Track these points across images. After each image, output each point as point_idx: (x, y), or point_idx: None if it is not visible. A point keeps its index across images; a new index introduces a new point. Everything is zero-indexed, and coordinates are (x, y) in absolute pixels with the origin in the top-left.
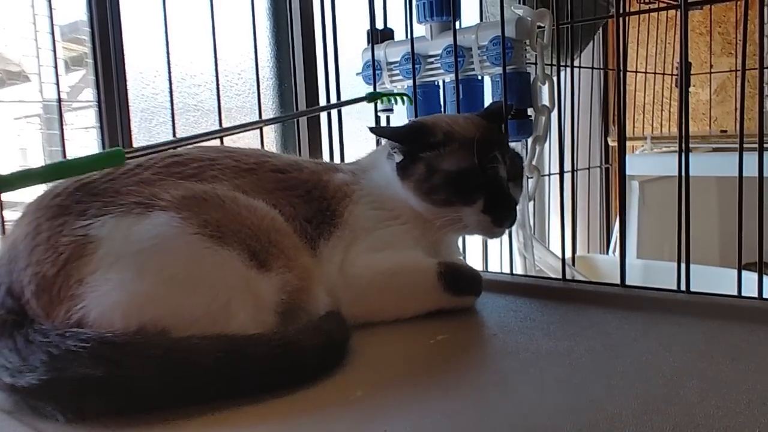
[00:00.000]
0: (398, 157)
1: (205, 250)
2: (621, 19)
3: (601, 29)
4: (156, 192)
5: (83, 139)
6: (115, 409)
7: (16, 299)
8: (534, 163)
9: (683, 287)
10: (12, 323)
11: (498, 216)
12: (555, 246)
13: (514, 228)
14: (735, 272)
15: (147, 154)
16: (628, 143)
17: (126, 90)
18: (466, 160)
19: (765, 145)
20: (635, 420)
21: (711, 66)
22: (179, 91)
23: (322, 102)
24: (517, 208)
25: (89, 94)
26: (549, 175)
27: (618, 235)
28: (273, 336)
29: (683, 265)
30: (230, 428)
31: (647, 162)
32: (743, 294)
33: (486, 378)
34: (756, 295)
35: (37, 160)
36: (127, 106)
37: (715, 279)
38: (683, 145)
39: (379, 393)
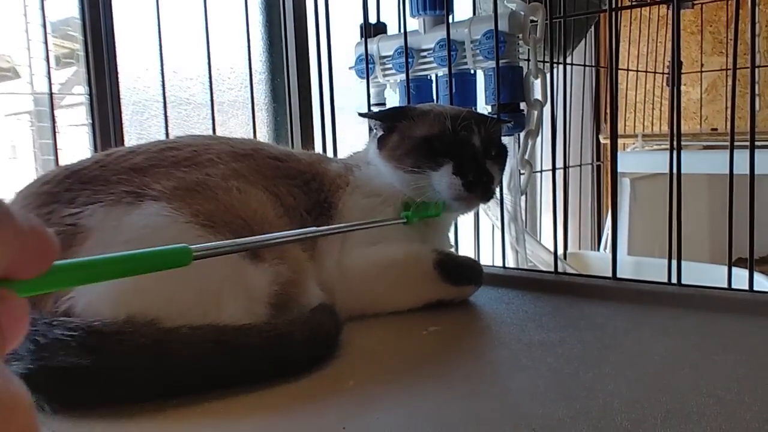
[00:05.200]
0: (379, 133)
1: (197, 239)
2: (613, 15)
3: (593, 27)
4: (147, 182)
5: (74, 135)
6: (102, 399)
7: None
8: (526, 157)
9: (674, 280)
10: None
11: (468, 179)
12: (546, 242)
13: (506, 221)
14: (725, 268)
15: (217, 255)
16: (620, 141)
17: (117, 84)
18: (436, 126)
19: (756, 143)
20: (627, 408)
21: (702, 65)
22: (171, 85)
23: (315, 97)
24: (509, 200)
25: (81, 90)
26: (541, 171)
27: (610, 230)
28: (264, 327)
29: (674, 258)
30: (221, 419)
31: (638, 159)
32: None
33: (478, 368)
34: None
35: (27, 155)
36: (119, 100)
37: (705, 275)
38: (676, 143)
39: (371, 383)
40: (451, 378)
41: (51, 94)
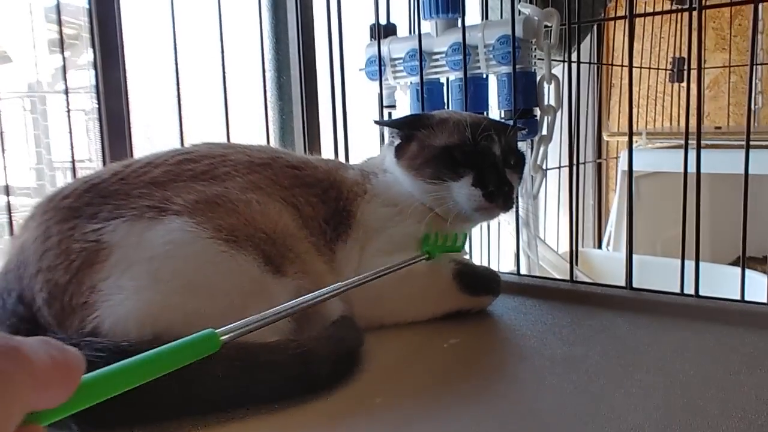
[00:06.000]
0: (396, 141)
1: (220, 255)
2: (610, 21)
3: (595, 24)
4: (168, 195)
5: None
6: (131, 419)
7: (27, 307)
8: (538, 162)
9: (690, 290)
10: (25, 332)
11: (489, 190)
12: (549, 241)
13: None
14: (728, 268)
15: (244, 333)
16: (622, 138)
17: (125, 77)
18: (455, 136)
19: (759, 143)
20: None
21: (704, 61)
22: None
23: (322, 97)
24: (521, 206)
25: (73, 76)
26: (546, 169)
27: (613, 230)
28: (289, 344)
29: (690, 268)
30: None
31: (643, 157)
32: (746, 293)
33: (504, 385)
34: (762, 297)
35: (19, 142)
36: (127, 94)
37: (711, 276)
38: (698, 144)
39: (398, 400)
40: (478, 396)
41: (67, 90)
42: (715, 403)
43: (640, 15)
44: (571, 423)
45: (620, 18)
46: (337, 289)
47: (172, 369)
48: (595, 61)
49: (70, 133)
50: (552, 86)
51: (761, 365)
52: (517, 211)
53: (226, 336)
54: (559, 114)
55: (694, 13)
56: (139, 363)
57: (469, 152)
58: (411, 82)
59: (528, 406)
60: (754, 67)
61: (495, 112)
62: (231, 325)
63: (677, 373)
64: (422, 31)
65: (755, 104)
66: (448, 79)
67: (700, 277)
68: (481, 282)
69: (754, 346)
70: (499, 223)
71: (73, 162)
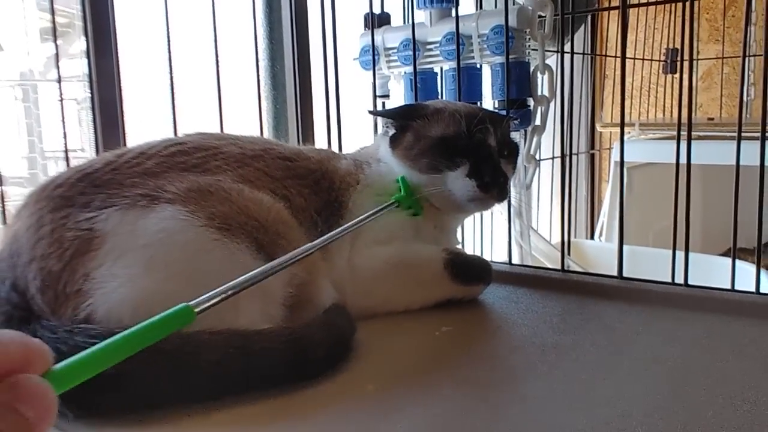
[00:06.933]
0: (391, 131)
1: (213, 242)
2: (603, 12)
3: (589, 15)
4: (161, 184)
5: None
6: (125, 406)
7: (21, 294)
8: (531, 152)
9: (681, 280)
10: (19, 319)
11: (484, 180)
12: (542, 231)
13: (512, 216)
14: (719, 259)
15: (218, 302)
16: (614, 129)
17: (118, 66)
18: (451, 127)
19: (750, 134)
20: (646, 418)
21: (698, 52)
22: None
23: (315, 86)
24: (513, 196)
25: (66, 64)
26: (539, 160)
27: (606, 221)
28: (282, 331)
29: (681, 258)
30: (245, 425)
31: (636, 148)
32: (736, 284)
33: (495, 373)
34: (752, 288)
35: (11, 131)
36: (119, 82)
37: (701, 267)
38: (689, 136)
39: (390, 388)
40: (470, 384)
41: (59, 79)
42: (701, 390)
43: (633, 5)
44: (561, 411)
45: (614, 8)
46: (308, 249)
47: (147, 344)
48: (589, 52)
49: (63, 122)
50: (546, 76)
51: (749, 353)
52: (509, 201)
53: (201, 307)
54: (552, 105)
55: (688, 4)
56: (118, 343)
57: (465, 143)
58: (405, 72)
59: (519, 393)
60: (747, 58)
61: (488, 102)
62: (203, 296)
63: (665, 360)
64: (416, 21)
65: (748, 96)
66: (441, 69)
67: (690, 268)
68: (473, 271)
69: (742, 335)
70: (492, 213)
71: (65, 151)
